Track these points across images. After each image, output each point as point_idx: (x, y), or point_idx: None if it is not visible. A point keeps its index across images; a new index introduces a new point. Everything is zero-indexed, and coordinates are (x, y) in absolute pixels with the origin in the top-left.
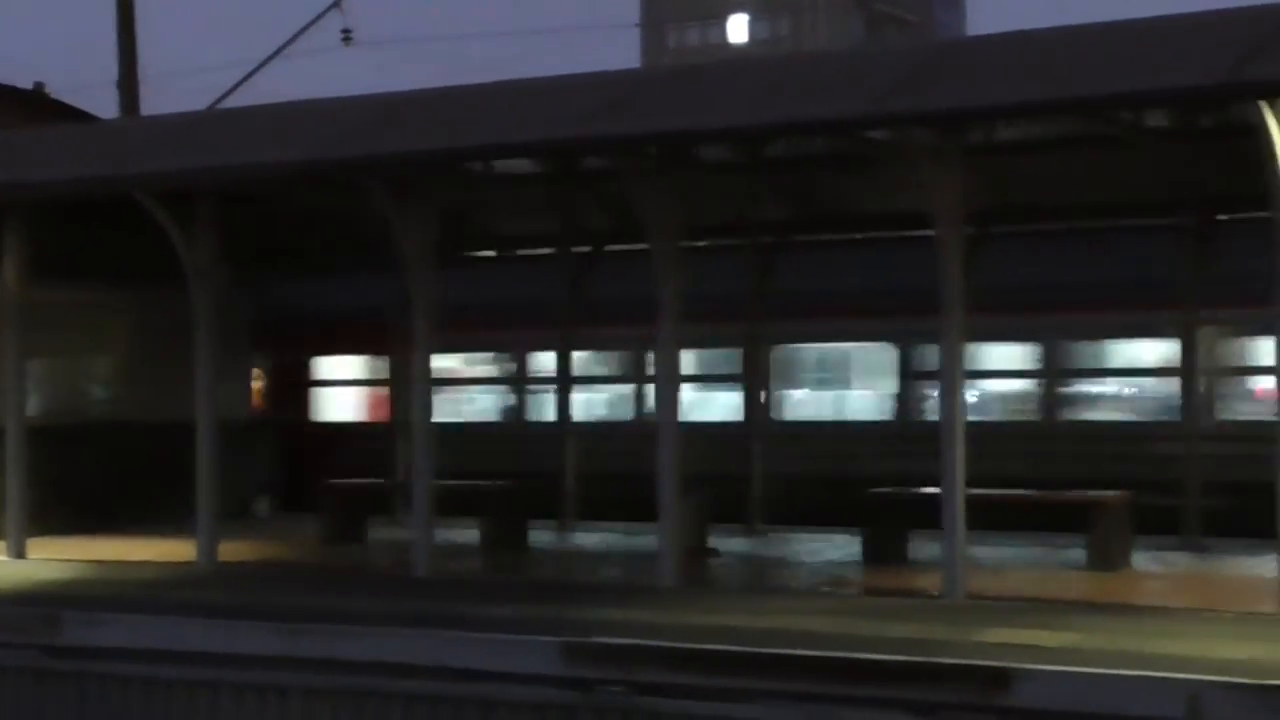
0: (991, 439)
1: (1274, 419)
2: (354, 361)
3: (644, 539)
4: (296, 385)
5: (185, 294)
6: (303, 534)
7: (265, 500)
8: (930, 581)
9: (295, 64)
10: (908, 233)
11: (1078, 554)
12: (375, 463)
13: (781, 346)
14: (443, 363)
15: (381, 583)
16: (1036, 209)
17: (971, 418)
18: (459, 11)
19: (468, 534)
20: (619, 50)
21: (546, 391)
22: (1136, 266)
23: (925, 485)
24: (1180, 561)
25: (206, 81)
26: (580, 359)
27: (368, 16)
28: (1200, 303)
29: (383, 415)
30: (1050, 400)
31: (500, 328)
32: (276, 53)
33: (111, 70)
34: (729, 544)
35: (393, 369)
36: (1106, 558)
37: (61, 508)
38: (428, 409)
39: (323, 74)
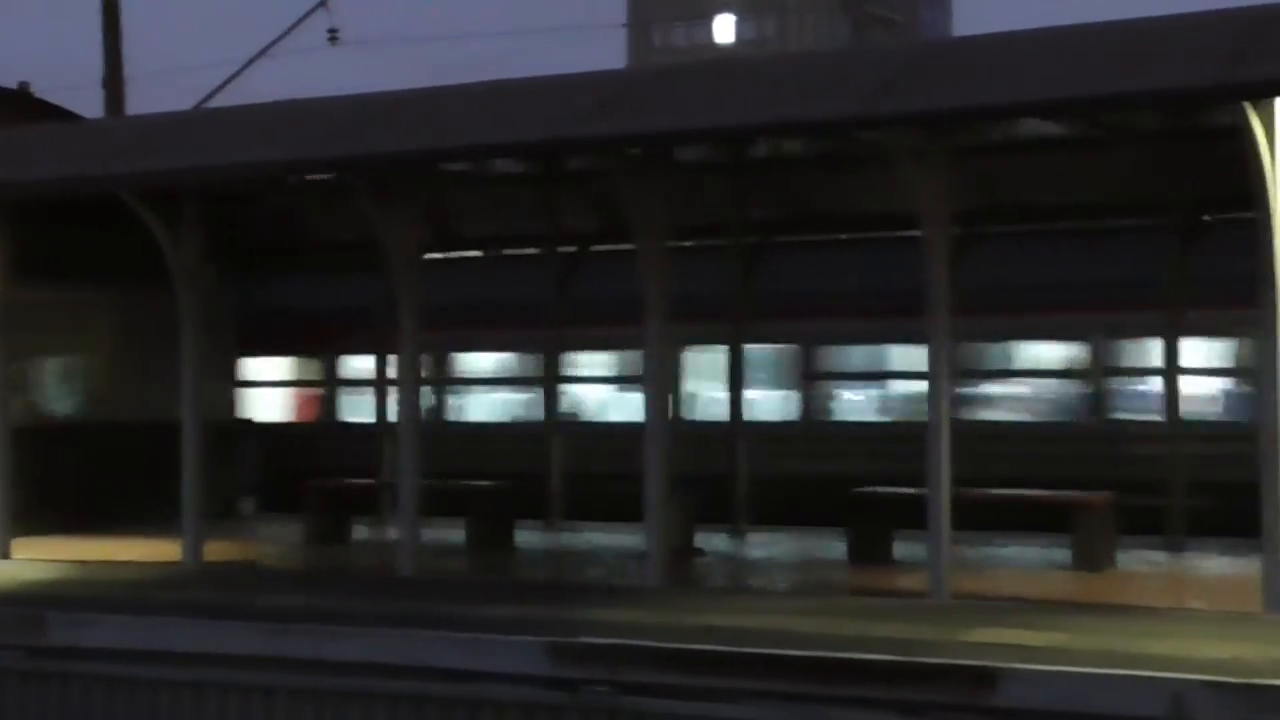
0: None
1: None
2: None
3: (630, 539)
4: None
5: (171, 294)
6: (288, 534)
7: (251, 500)
8: (916, 581)
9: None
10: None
11: (1063, 554)
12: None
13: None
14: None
15: (367, 583)
16: (1022, 209)
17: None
18: (445, 11)
19: (454, 534)
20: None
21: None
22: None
23: (824, 484)
24: (1165, 561)
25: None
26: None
27: (354, 16)
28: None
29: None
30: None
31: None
32: (262, 52)
33: (97, 70)
34: (714, 543)
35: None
36: (1092, 557)
37: (46, 508)
38: (414, 409)
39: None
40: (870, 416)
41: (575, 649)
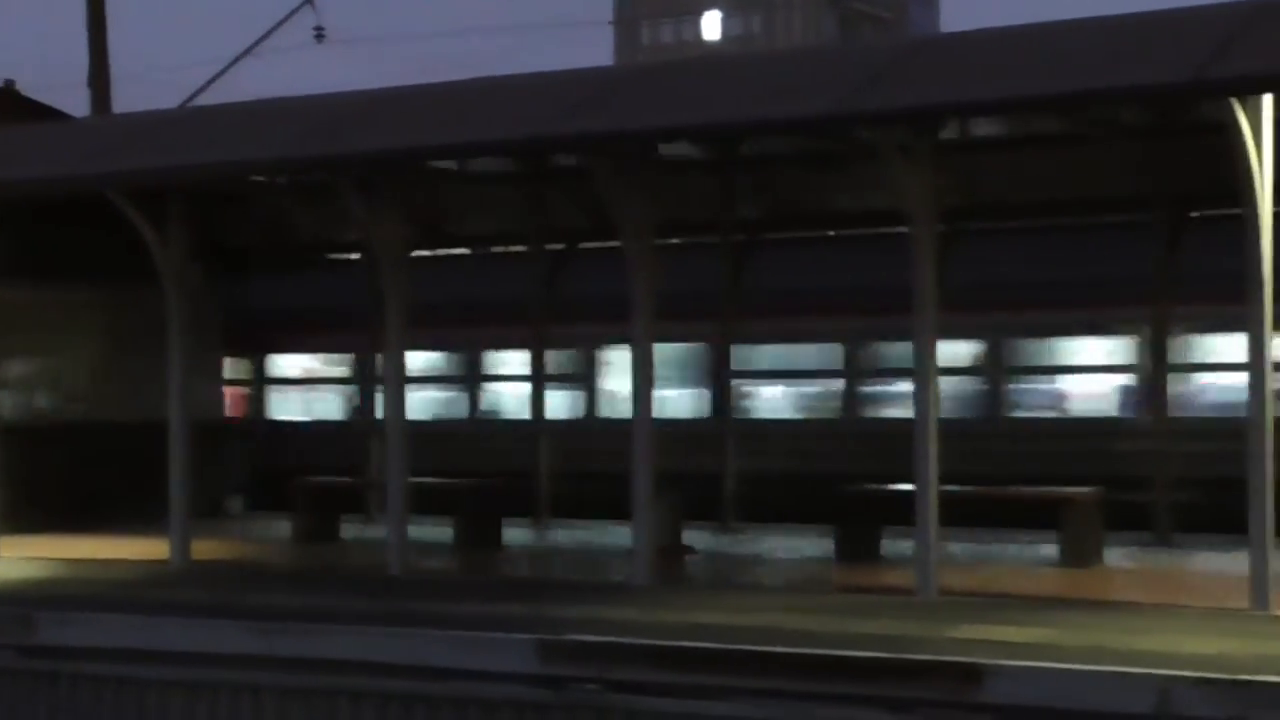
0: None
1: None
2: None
3: (618, 537)
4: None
5: (157, 293)
6: (276, 533)
7: (238, 499)
8: (903, 578)
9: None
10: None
11: (1050, 550)
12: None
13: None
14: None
15: (355, 581)
16: (1009, 206)
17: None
18: (431, 9)
19: (442, 532)
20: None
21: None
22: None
23: (738, 480)
24: (1152, 557)
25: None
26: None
27: (340, 14)
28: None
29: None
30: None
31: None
32: (248, 50)
33: (83, 68)
34: (702, 541)
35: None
36: (1078, 554)
37: (34, 507)
38: (401, 406)
39: (295, 72)
40: (782, 414)
41: (564, 647)
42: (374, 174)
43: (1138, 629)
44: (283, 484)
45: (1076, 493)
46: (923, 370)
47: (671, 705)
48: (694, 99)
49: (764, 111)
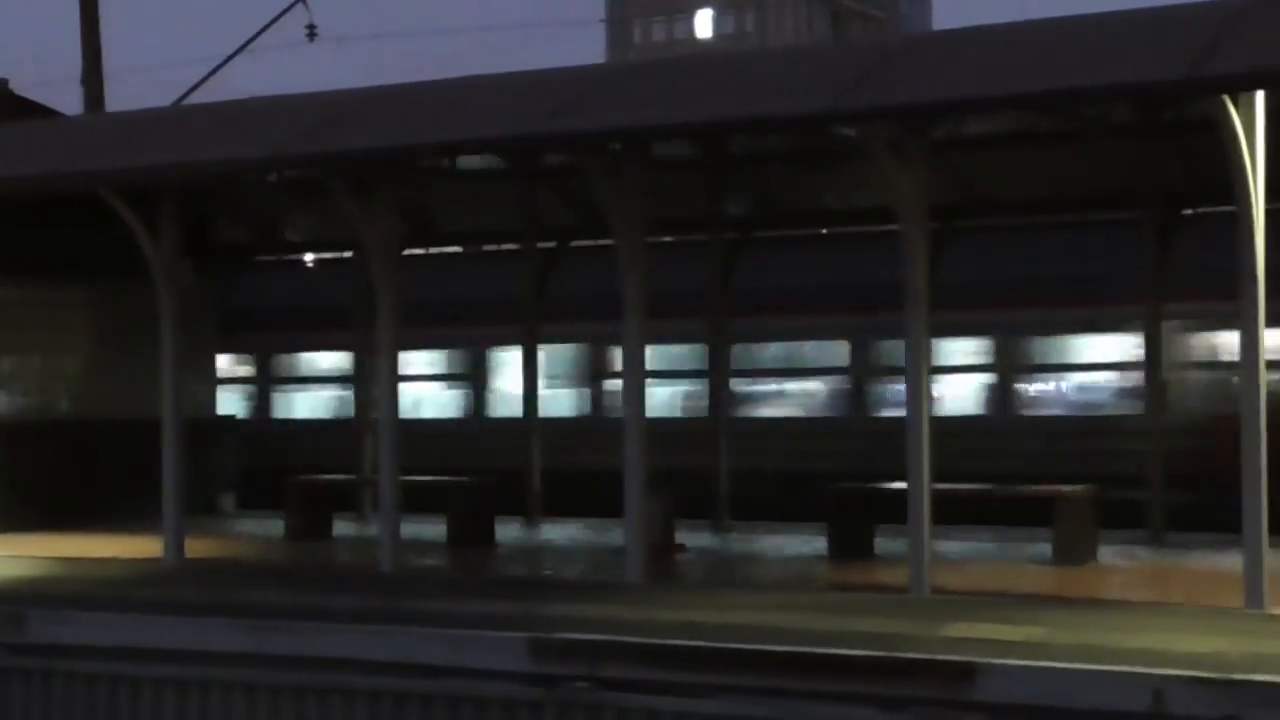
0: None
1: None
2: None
3: (611, 535)
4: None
5: (149, 290)
6: (269, 531)
7: (231, 496)
8: (896, 576)
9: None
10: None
11: (1044, 548)
12: None
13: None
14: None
15: (348, 579)
16: (1000, 203)
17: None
18: (424, 8)
19: (435, 529)
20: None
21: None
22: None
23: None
24: (1145, 556)
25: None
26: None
27: (332, 13)
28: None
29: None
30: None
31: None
32: (241, 48)
33: (76, 66)
34: (696, 539)
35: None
36: (1072, 552)
37: (26, 505)
38: (394, 405)
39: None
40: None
41: (556, 645)
42: (366, 172)
43: (1131, 627)
44: (276, 481)
45: (1070, 490)
46: (915, 368)
47: (664, 703)
48: (685, 97)
49: (754, 109)
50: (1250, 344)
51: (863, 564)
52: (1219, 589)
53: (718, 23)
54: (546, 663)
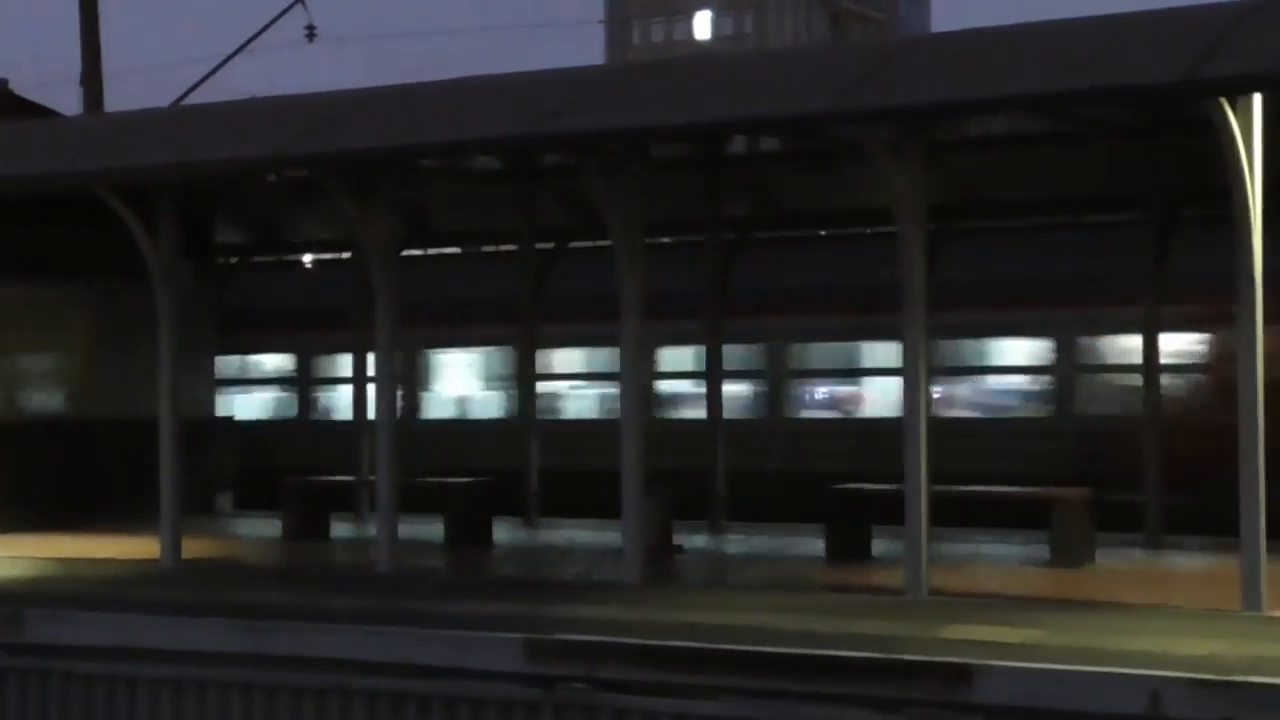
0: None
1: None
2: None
3: (608, 535)
4: None
5: (147, 289)
6: (266, 531)
7: (229, 497)
8: (893, 578)
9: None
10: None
11: (1041, 550)
12: None
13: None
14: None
15: (345, 580)
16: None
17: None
18: (423, 8)
19: (432, 530)
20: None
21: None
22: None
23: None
24: (1143, 558)
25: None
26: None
27: (331, 13)
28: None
29: None
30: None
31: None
32: (241, 48)
33: (75, 67)
34: (693, 540)
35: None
36: (1069, 554)
37: (24, 504)
38: (391, 406)
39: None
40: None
41: (552, 646)
42: (365, 172)
43: (1128, 629)
44: (273, 482)
45: (1067, 493)
46: (912, 369)
47: (660, 704)
48: (685, 98)
49: (754, 110)
50: (1247, 343)
51: (860, 566)
52: (1216, 591)
53: (717, 24)
54: (544, 663)
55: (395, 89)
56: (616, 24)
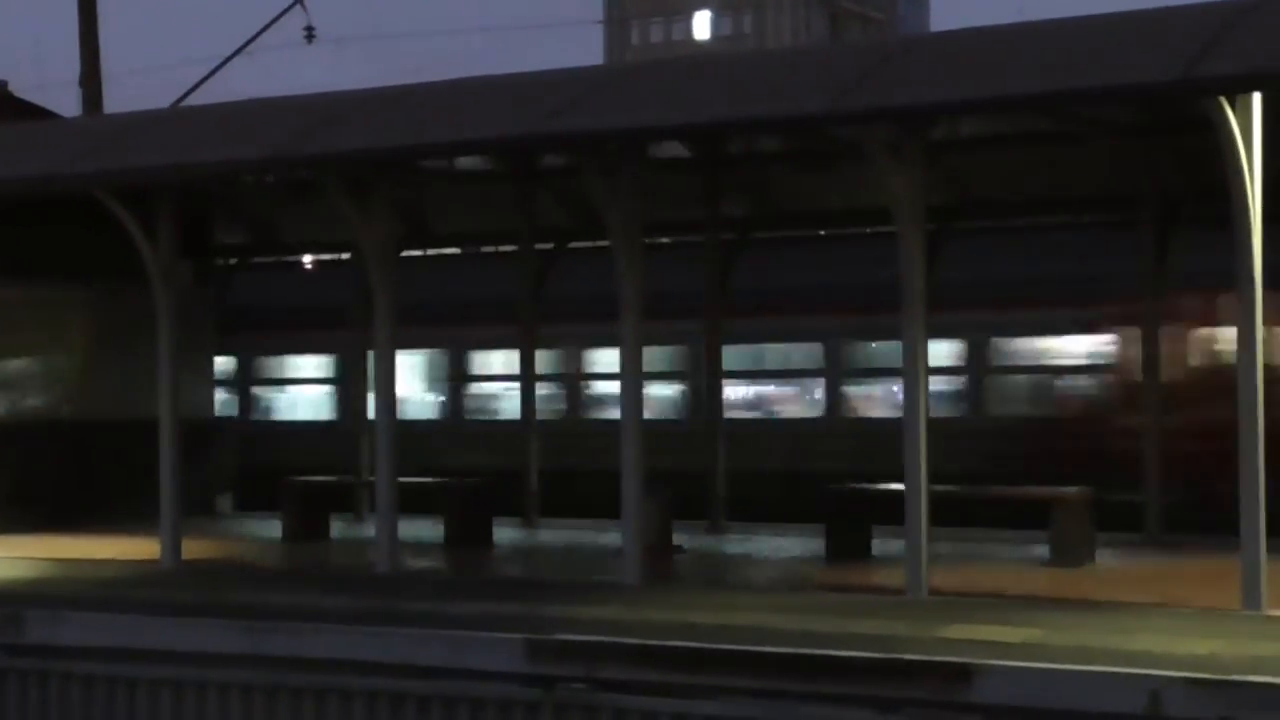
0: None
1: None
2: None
3: (608, 536)
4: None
5: (147, 290)
6: (266, 532)
7: (228, 497)
8: (893, 577)
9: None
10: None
11: (1041, 550)
12: None
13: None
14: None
15: (344, 580)
16: (997, 204)
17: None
18: (422, 9)
19: (432, 530)
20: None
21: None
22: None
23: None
24: (1143, 557)
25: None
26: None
27: (330, 14)
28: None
29: None
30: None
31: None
32: (239, 50)
33: (74, 68)
34: (693, 540)
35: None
36: (1069, 553)
37: (24, 505)
38: (390, 406)
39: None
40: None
41: (552, 646)
42: (364, 172)
43: (1128, 629)
44: (273, 483)
45: (1067, 492)
46: (912, 369)
47: (660, 704)
48: (684, 98)
49: (753, 110)
50: (1246, 343)
51: (860, 565)
52: (1216, 590)
53: (715, 24)
54: (543, 664)
55: (394, 89)
56: (615, 24)
